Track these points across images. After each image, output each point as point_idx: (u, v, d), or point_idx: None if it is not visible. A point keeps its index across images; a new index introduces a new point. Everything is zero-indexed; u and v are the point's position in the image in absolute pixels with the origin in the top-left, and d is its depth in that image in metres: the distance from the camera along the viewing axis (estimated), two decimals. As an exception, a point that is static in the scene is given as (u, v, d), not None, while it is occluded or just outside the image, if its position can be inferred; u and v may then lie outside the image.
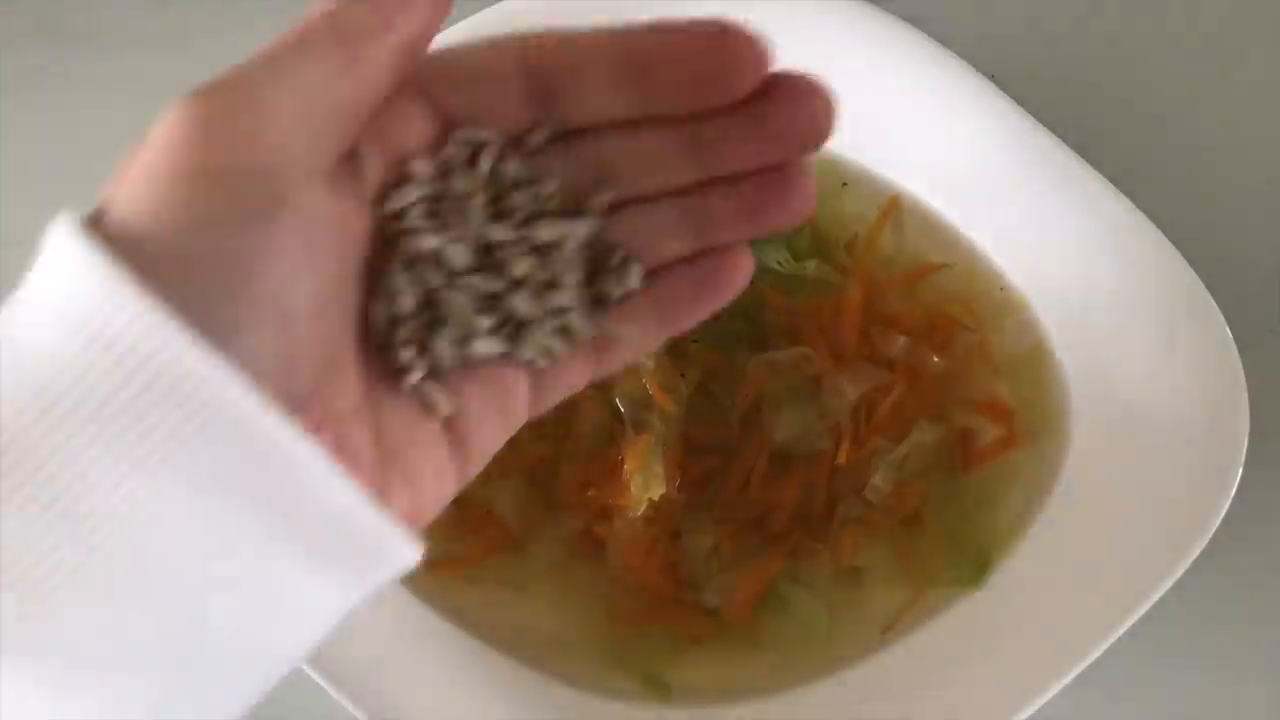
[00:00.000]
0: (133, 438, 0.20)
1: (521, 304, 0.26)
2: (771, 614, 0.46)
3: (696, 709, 0.45)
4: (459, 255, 0.25)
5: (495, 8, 0.45)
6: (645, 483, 0.45)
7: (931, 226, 0.48)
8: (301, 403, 0.23)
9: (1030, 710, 0.41)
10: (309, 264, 0.23)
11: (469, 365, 0.26)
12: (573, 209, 0.27)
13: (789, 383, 0.46)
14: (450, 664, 0.44)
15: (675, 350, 0.47)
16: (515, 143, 0.26)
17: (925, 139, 0.46)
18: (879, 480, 0.46)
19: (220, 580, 0.22)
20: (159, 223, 0.21)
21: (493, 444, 0.28)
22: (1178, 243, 0.43)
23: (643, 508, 0.46)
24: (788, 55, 0.47)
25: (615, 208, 0.27)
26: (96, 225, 0.21)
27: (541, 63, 0.25)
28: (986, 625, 0.45)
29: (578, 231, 0.26)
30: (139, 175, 0.21)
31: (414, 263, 0.25)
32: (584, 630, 0.46)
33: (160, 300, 0.20)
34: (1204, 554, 0.42)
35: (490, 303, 0.26)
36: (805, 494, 0.47)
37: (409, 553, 0.25)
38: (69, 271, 0.20)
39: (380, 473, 0.25)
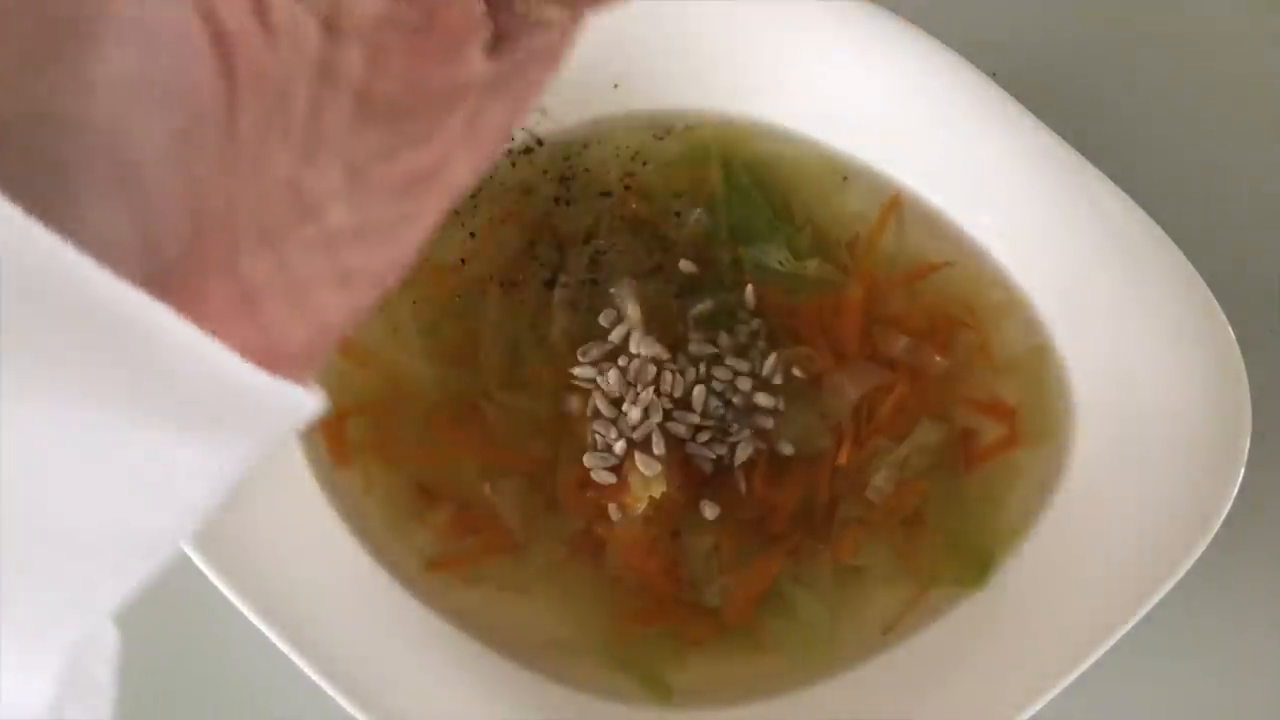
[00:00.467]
0: None
1: None
2: (772, 614, 0.46)
3: (697, 710, 0.45)
4: None
5: (495, 6, 0.45)
6: (646, 482, 0.45)
7: (933, 225, 0.48)
8: (163, 266, 0.20)
9: (1032, 711, 0.41)
10: (154, 97, 0.18)
11: None
12: None
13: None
14: (450, 665, 0.44)
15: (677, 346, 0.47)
16: None
17: (926, 138, 0.46)
18: (880, 480, 0.46)
19: (70, 460, 0.19)
20: None
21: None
22: (1180, 241, 0.43)
23: (642, 506, 0.46)
24: (788, 55, 0.47)
25: None
26: None
27: None
28: (988, 626, 0.45)
29: None
30: None
31: None
32: (584, 631, 0.46)
33: None
34: (1206, 554, 0.42)
35: None
36: (806, 494, 0.47)
37: (299, 402, 0.22)
38: None
39: (255, 310, 0.22)
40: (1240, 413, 0.42)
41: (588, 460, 0.46)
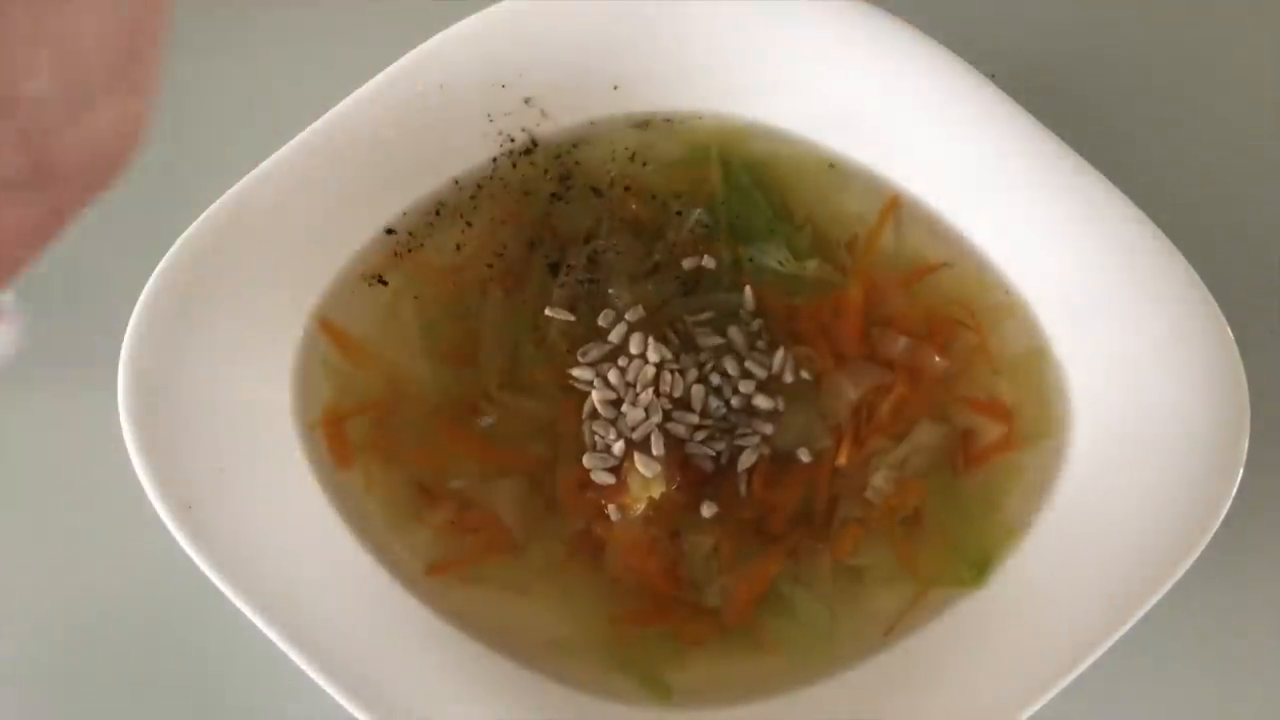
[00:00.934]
0: None
1: None
2: (772, 614, 0.46)
3: (697, 710, 0.45)
4: None
5: (495, 8, 0.45)
6: (645, 483, 0.46)
7: (932, 226, 0.48)
8: None
9: (1031, 711, 0.41)
10: None
11: None
12: None
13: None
14: (450, 665, 0.44)
15: (685, 343, 0.47)
16: None
17: (925, 139, 0.46)
18: (880, 480, 0.47)
19: None
20: None
21: None
22: (1179, 242, 0.43)
23: (641, 507, 0.46)
24: (787, 55, 0.47)
25: None
26: None
27: None
28: (987, 626, 0.45)
29: None
30: None
31: None
32: (584, 631, 0.46)
33: None
34: (1205, 554, 0.42)
35: None
36: (806, 494, 0.47)
37: None
38: None
39: None
40: (1239, 413, 0.43)
41: (587, 461, 0.46)
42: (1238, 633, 0.50)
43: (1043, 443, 0.47)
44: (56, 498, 0.51)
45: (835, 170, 0.48)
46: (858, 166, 0.48)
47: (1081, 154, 0.44)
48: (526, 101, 0.47)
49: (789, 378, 0.47)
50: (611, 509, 0.46)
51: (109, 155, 0.30)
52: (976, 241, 0.48)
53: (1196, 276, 0.43)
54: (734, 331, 0.47)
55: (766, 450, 0.47)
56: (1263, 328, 0.51)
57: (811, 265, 0.48)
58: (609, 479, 0.46)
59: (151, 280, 0.42)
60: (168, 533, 0.41)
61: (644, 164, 0.49)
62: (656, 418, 0.46)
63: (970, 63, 0.44)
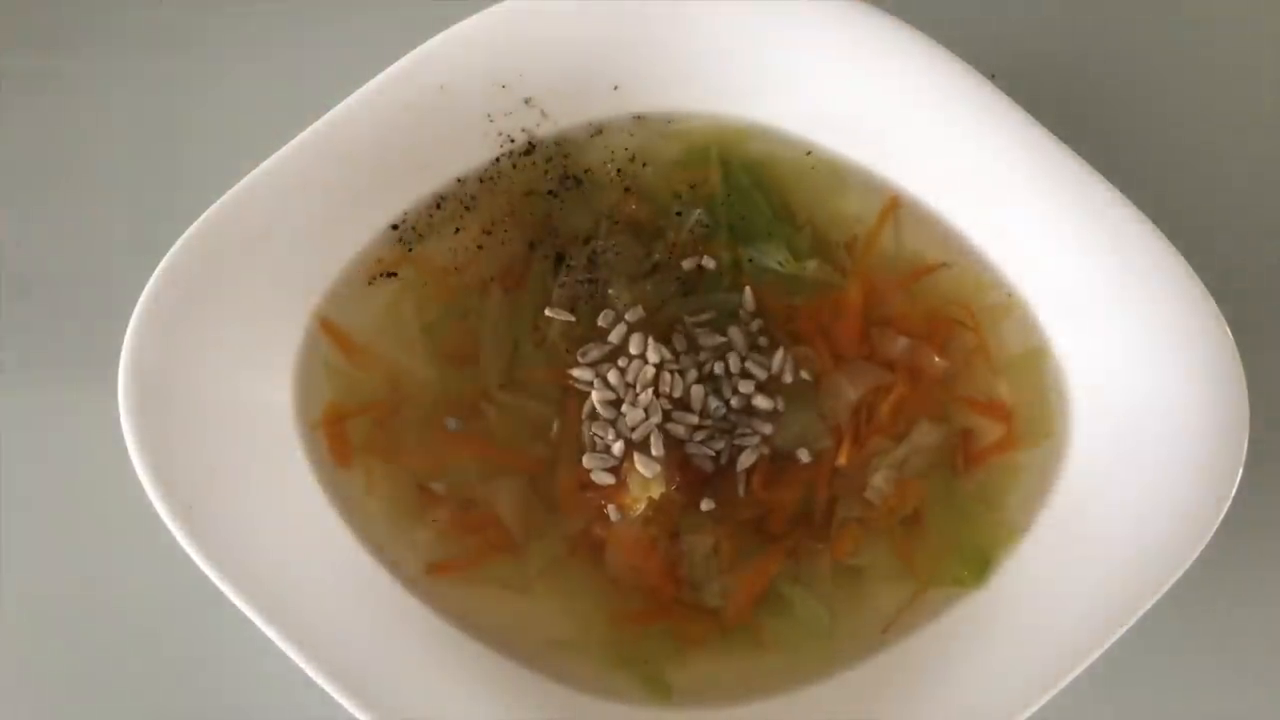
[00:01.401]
0: None
1: None
2: (772, 614, 0.47)
3: (697, 709, 0.46)
4: None
5: (495, 8, 0.45)
6: (645, 483, 0.46)
7: (931, 226, 0.48)
8: None
9: (1031, 710, 0.41)
10: None
11: None
12: None
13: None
14: (451, 665, 0.44)
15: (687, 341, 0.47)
16: None
17: (925, 139, 0.46)
18: (879, 480, 0.47)
19: None
20: None
21: None
22: (1178, 243, 0.43)
23: (641, 507, 0.46)
24: (787, 57, 0.47)
25: None
26: None
27: None
28: (988, 626, 0.45)
29: None
30: None
31: None
32: (584, 631, 0.46)
33: None
34: (1205, 554, 0.42)
35: None
36: (805, 494, 0.47)
37: None
38: None
39: None
40: (1239, 413, 0.43)
41: (587, 461, 0.46)
42: (1238, 632, 0.50)
43: (1042, 443, 0.47)
44: (56, 498, 0.51)
45: (835, 170, 0.48)
46: (858, 166, 0.48)
47: (1081, 154, 0.44)
48: (527, 102, 0.47)
49: (789, 378, 0.47)
50: (611, 509, 0.46)
51: None
52: (976, 241, 0.48)
53: (1196, 277, 0.43)
54: (734, 332, 0.47)
55: (766, 450, 0.47)
56: (1262, 328, 0.51)
57: (811, 266, 0.48)
58: (609, 479, 0.46)
59: (151, 280, 0.42)
60: (168, 533, 0.41)
61: (644, 164, 0.49)
62: (656, 418, 0.46)
63: (970, 63, 0.44)
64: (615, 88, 0.48)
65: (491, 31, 0.45)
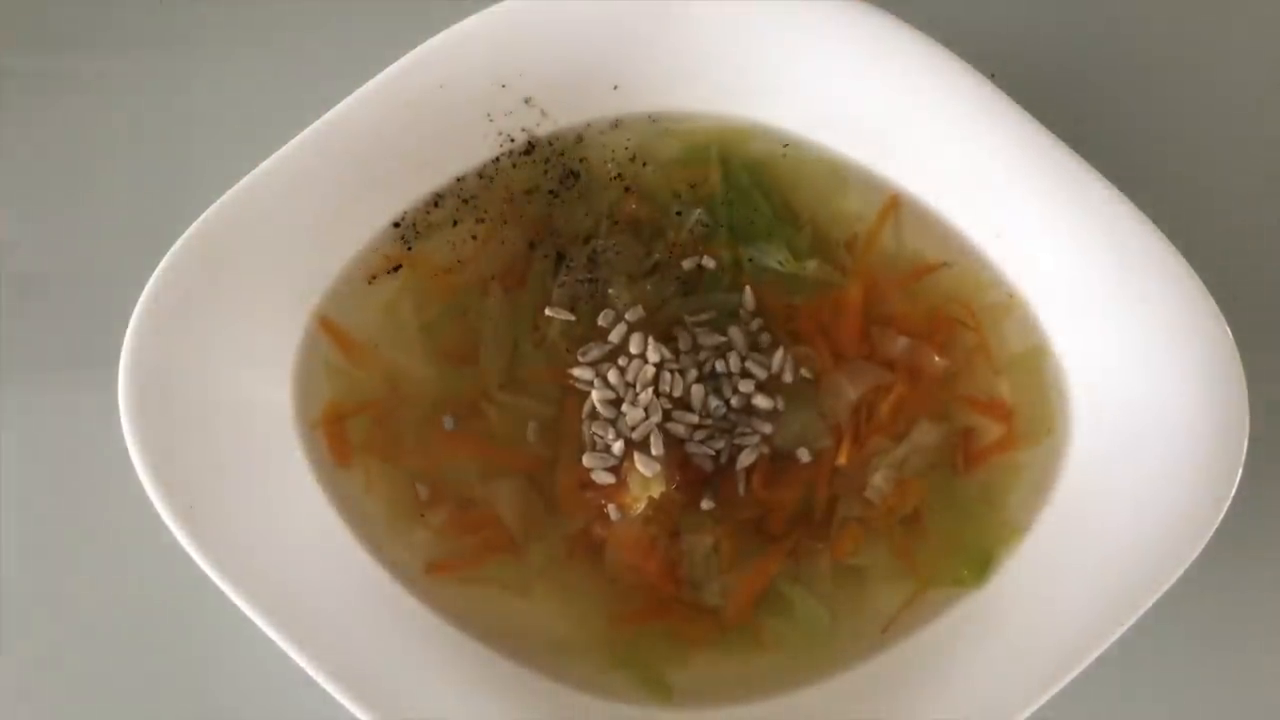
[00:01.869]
0: None
1: None
2: (772, 614, 0.47)
3: (697, 709, 0.46)
4: None
5: (495, 7, 0.45)
6: (645, 482, 0.46)
7: (931, 226, 0.48)
8: None
9: (1031, 709, 0.41)
10: None
11: None
12: None
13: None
14: (450, 665, 0.44)
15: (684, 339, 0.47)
16: None
17: (925, 139, 0.46)
18: (879, 480, 0.47)
19: None
20: None
21: None
22: (1178, 243, 0.43)
23: (641, 506, 0.46)
24: (787, 56, 0.47)
25: None
26: None
27: None
28: (988, 626, 0.45)
29: None
30: None
31: None
32: (584, 631, 0.46)
33: None
34: (1205, 554, 0.42)
35: None
36: (805, 494, 0.47)
37: None
38: None
39: None
40: (1239, 413, 0.43)
41: (587, 461, 0.46)
42: (1238, 632, 0.50)
43: (1043, 442, 0.47)
44: (56, 498, 0.51)
45: (835, 170, 0.48)
46: (858, 166, 0.48)
47: (1081, 154, 0.44)
48: (526, 101, 0.47)
49: (789, 377, 0.47)
50: (611, 509, 0.46)
51: None
52: (976, 241, 0.48)
53: (1196, 277, 0.43)
54: (734, 331, 0.47)
55: (766, 450, 0.47)
56: (1263, 328, 0.51)
57: (811, 265, 0.48)
58: (609, 479, 0.46)
59: (152, 280, 0.42)
60: (168, 532, 0.41)
61: (644, 164, 0.49)
62: (656, 417, 0.46)
63: (970, 63, 0.44)
64: (615, 88, 0.48)
65: (492, 31, 0.45)
